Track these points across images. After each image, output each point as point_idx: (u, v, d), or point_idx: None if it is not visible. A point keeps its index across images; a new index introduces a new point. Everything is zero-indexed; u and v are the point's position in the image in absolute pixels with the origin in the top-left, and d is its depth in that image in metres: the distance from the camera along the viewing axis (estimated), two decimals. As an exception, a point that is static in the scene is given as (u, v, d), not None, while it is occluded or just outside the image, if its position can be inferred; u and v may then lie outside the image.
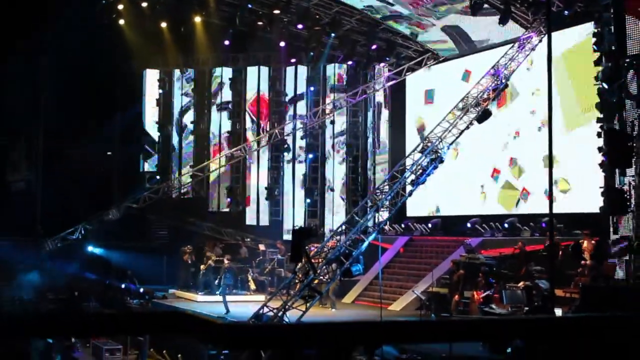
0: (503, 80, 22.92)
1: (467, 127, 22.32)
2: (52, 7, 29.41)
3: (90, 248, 30.75)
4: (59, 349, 21.40)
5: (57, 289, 27.86)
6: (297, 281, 19.79)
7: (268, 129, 34.33)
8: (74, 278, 29.16)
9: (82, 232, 30.58)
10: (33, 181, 33.21)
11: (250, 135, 35.09)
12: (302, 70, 34.78)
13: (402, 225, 29.82)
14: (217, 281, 25.47)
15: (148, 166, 36.31)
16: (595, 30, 21.08)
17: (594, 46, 20.76)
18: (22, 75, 31.35)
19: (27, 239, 30.15)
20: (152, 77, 36.32)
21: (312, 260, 19.66)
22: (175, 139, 36.37)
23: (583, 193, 24.03)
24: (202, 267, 26.74)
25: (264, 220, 34.90)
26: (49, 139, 32.61)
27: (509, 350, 13.95)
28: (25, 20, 30.24)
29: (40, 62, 31.63)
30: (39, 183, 32.65)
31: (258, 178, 35.18)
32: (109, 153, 35.81)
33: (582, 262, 19.82)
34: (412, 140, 30.50)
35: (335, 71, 34.39)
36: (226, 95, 35.75)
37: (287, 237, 30.88)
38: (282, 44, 32.30)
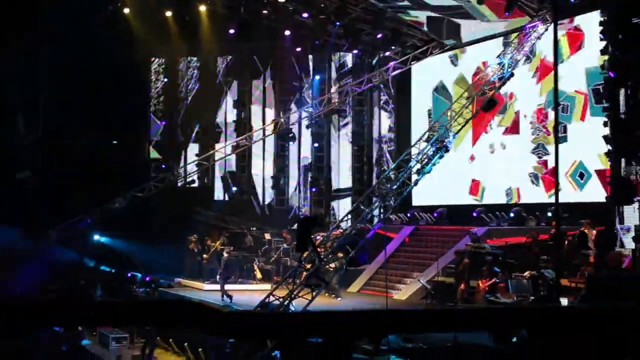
0: (509, 70, 22.86)
1: (473, 116, 22.31)
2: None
3: (95, 237, 30.84)
4: (65, 337, 21.48)
5: (63, 279, 27.95)
6: (302, 270, 19.84)
7: (273, 118, 34.33)
8: (80, 267, 29.25)
9: (88, 221, 30.63)
10: (37, 170, 33.25)
11: (255, 124, 35.07)
12: (307, 59, 34.78)
13: (408, 215, 29.80)
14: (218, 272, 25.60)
15: (154, 155, 36.37)
16: (602, 19, 20.99)
17: (601, 34, 20.69)
18: (26, 64, 31.36)
19: (32, 229, 30.22)
20: (157, 65, 36.34)
21: (318, 250, 19.70)
22: (180, 128, 36.39)
23: (589, 182, 24.03)
24: (204, 256, 26.69)
25: (270, 209, 34.99)
26: (53, 128, 32.65)
27: (514, 339, 13.95)
28: (30, 6, 30.23)
29: (44, 50, 31.63)
30: (44, 172, 32.70)
31: (264, 167, 35.21)
32: (114, 142, 35.82)
33: (587, 251, 19.82)
34: (417, 129, 30.44)
35: (340, 60, 34.39)
36: (231, 83, 35.78)
37: (293, 226, 30.91)
38: (287, 32, 32.22)
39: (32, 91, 32.11)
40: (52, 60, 31.39)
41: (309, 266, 19.62)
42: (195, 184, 34.42)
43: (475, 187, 28.81)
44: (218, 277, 25.02)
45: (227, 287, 24.65)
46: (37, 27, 30.07)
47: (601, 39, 20.79)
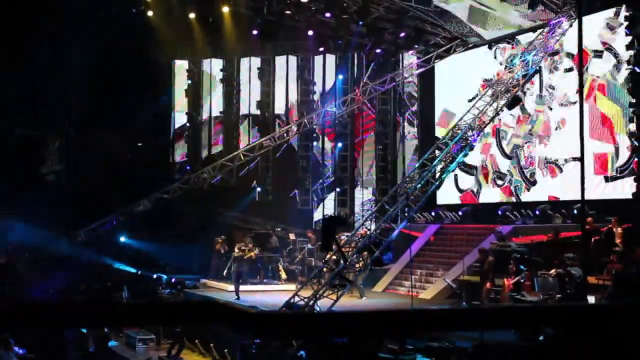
0: (533, 66, 22.73)
1: (497, 114, 22.20)
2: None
3: (122, 239, 31.04)
4: (93, 339, 21.66)
5: (90, 280, 28.16)
6: (327, 270, 19.83)
7: (297, 118, 34.35)
8: (106, 269, 29.46)
9: (114, 222, 30.83)
10: (64, 172, 33.53)
11: (279, 125, 35.12)
12: (331, 58, 34.80)
13: (432, 214, 29.71)
14: (225, 270, 25.73)
15: (178, 156, 36.51)
16: (628, 14, 20.83)
17: (626, 30, 20.53)
18: (52, 67, 31.60)
19: (60, 230, 30.47)
20: (181, 67, 36.50)
21: (343, 249, 19.68)
22: (205, 129, 36.54)
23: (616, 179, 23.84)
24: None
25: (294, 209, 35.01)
26: (80, 130, 32.91)
27: (541, 338, 13.88)
28: (55, 10, 30.45)
29: (70, 53, 31.87)
30: (71, 174, 32.98)
31: (288, 167, 35.22)
32: (139, 144, 36.03)
33: (615, 248, 19.64)
34: (441, 127, 30.38)
35: (363, 59, 34.39)
36: (255, 84, 35.87)
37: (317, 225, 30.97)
38: (310, 32, 32.21)
39: (62, 82, 32.39)
40: (78, 63, 31.65)
41: (333, 266, 19.62)
42: (219, 185, 34.51)
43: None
44: (233, 275, 25.06)
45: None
46: (66, 18, 30.26)
47: (627, 34, 20.65)
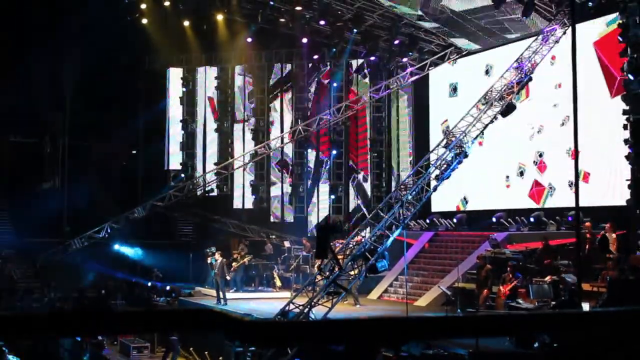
0: (527, 74, 22.75)
1: (492, 121, 22.19)
2: (76, 6, 29.63)
3: (116, 246, 30.97)
4: (87, 347, 21.60)
5: (84, 288, 28.10)
6: (322, 278, 19.79)
7: (291, 126, 34.35)
8: (101, 276, 29.39)
9: (108, 230, 30.77)
10: (59, 180, 33.50)
11: (273, 132, 35.13)
12: (325, 66, 34.82)
13: (427, 221, 29.71)
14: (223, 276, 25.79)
15: (173, 164, 36.49)
16: (621, 21, 20.87)
17: (619, 37, 20.57)
18: (48, 75, 31.61)
19: (55, 238, 30.43)
20: (175, 75, 36.49)
21: (337, 257, 19.64)
22: (199, 137, 36.51)
23: (610, 185, 23.86)
24: (234, 265, 26.29)
25: (289, 217, 34.97)
26: (75, 138, 32.90)
27: (536, 344, 13.88)
28: (50, 18, 30.48)
29: (65, 61, 31.88)
30: (66, 182, 32.95)
31: (282, 175, 35.24)
32: (134, 152, 36.02)
33: (609, 254, 19.65)
34: (435, 135, 30.37)
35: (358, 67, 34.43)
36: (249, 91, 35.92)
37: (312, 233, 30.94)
38: (305, 40, 32.27)
39: (58, 91, 32.43)
40: (73, 71, 31.66)
41: (328, 274, 19.58)
42: (215, 193, 34.52)
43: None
44: (219, 281, 24.90)
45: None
46: (62, 27, 30.30)
47: (620, 42, 20.69)
